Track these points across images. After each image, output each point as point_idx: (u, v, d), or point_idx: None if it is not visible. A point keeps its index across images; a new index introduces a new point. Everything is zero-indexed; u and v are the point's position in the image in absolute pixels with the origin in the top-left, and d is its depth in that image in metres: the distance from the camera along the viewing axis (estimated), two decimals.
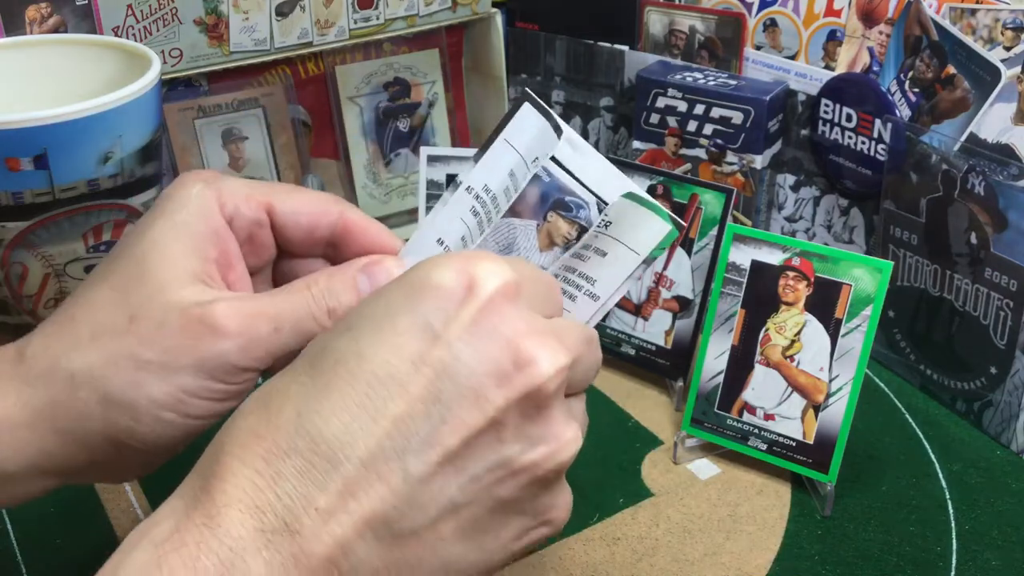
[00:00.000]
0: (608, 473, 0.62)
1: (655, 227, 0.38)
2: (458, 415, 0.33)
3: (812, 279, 0.60)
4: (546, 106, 0.40)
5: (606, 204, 0.40)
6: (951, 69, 0.68)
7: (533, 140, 0.40)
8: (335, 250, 0.44)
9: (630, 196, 0.39)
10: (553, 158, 0.40)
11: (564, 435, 0.36)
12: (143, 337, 0.37)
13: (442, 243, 0.41)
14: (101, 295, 0.39)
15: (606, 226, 0.39)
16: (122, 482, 0.44)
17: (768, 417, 0.61)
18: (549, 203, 0.40)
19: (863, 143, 0.74)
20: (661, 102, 0.80)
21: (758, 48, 0.82)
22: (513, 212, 0.41)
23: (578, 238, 0.40)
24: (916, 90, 0.71)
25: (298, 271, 0.44)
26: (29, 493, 0.40)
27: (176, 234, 0.39)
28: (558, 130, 0.40)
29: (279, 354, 0.39)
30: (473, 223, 0.41)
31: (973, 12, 0.68)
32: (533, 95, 0.40)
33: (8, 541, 0.57)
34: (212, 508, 0.32)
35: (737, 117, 0.77)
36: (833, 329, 0.59)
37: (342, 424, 0.32)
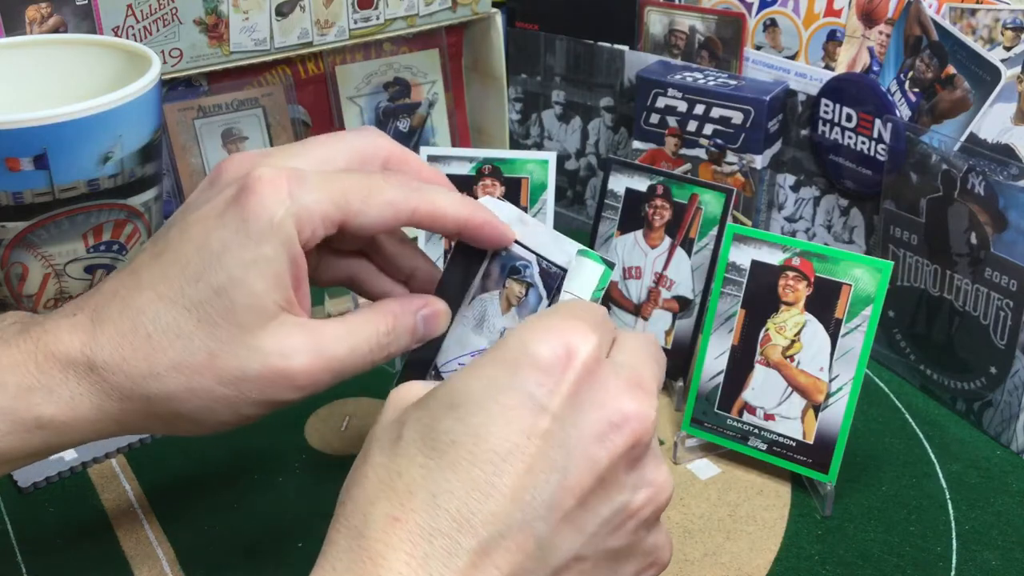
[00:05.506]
0: None
1: (592, 270, 0.45)
2: (573, 478, 0.36)
3: (812, 279, 0.60)
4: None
5: (547, 261, 0.46)
6: (951, 69, 0.68)
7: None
8: None
9: (579, 252, 0.45)
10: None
11: (659, 478, 0.39)
12: (223, 377, 0.41)
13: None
14: (180, 320, 0.40)
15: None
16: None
17: (768, 417, 0.61)
18: (506, 272, 0.46)
19: (863, 143, 0.74)
20: (661, 102, 0.80)
21: (758, 48, 0.82)
22: (483, 288, 0.47)
23: (527, 294, 0.46)
24: (916, 90, 0.71)
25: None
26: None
27: (260, 270, 0.40)
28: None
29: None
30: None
31: (973, 12, 0.68)
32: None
33: (8, 541, 0.57)
34: None
35: (737, 117, 0.77)
36: (833, 329, 0.59)
37: (476, 501, 0.35)
